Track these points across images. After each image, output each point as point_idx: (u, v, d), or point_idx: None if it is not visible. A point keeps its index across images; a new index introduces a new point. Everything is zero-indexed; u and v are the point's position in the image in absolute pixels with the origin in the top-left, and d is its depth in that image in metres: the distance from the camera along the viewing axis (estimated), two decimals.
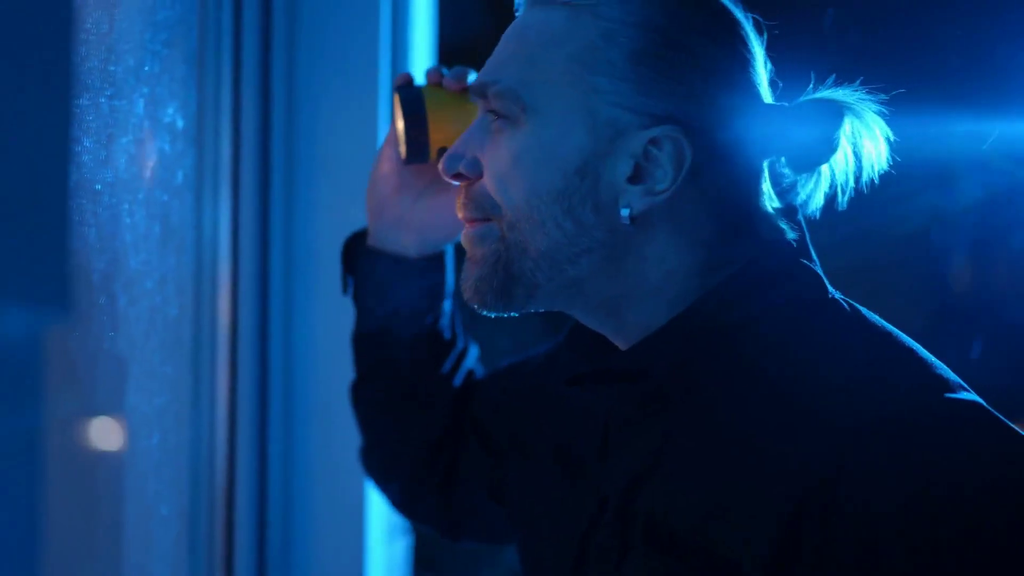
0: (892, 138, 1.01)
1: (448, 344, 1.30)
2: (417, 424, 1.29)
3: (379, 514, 1.64)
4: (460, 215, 1.03)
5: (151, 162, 1.41)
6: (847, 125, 0.98)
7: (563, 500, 1.08)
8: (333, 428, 1.60)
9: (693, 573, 0.92)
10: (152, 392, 1.43)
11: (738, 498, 0.91)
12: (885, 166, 1.01)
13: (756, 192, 1.00)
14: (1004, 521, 0.85)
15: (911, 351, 0.95)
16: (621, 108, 0.95)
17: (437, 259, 1.29)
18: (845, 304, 0.99)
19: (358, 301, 1.30)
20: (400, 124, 1.19)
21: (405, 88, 1.20)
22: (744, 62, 0.98)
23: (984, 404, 0.92)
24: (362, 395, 1.32)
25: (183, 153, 1.49)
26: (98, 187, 1.27)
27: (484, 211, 1.00)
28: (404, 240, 1.27)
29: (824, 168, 1.00)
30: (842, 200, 1.02)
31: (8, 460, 1.15)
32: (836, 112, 0.98)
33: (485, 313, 1.02)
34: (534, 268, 0.98)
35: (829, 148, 0.99)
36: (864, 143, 0.99)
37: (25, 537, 1.17)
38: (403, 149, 1.19)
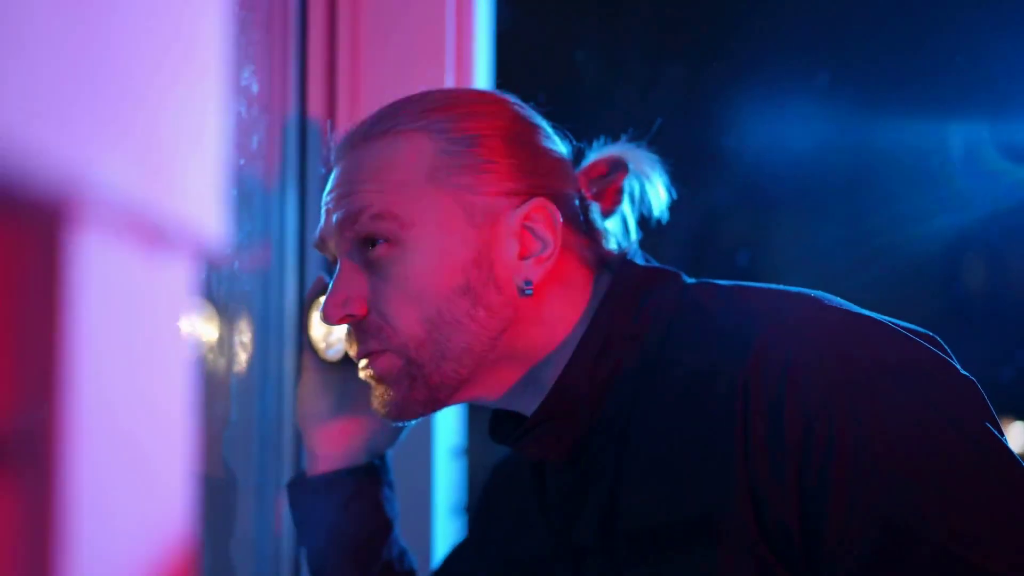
0: (668, 182, 1.15)
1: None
2: None
3: (445, 491, 1.62)
4: (353, 352, 1.06)
5: (230, 124, 1.38)
6: (631, 174, 1.13)
7: None
8: None
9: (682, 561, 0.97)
10: (227, 363, 1.40)
11: (693, 467, 0.96)
12: (666, 205, 1.15)
13: (599, 232, 1.10)
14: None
15: (784, 289, 1.04)
16: (491, 195, 1.03)
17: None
18: (707, 281, 1.08)
19: (336, 538, 1.23)
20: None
21: None
22: (543, 132, 1.09)
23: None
24: None
25: (257, 119, 1.46)
26: None
27: (382, 342, 1.04)
28: (354, 451, 1.24)
29: (626, 208, 1.13)
30: (634, 233, 1.14)
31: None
32: (620, 165, 1.12)
33: (408, 423, 1.09)
34: (457, 367, 1.03)
35: (620, 195, 1.12)
36: (646, 185, 1.13)
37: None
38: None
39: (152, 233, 0.65)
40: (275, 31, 1.55)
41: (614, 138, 1.17)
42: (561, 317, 1.05)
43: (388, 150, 1.05)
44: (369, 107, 1.65)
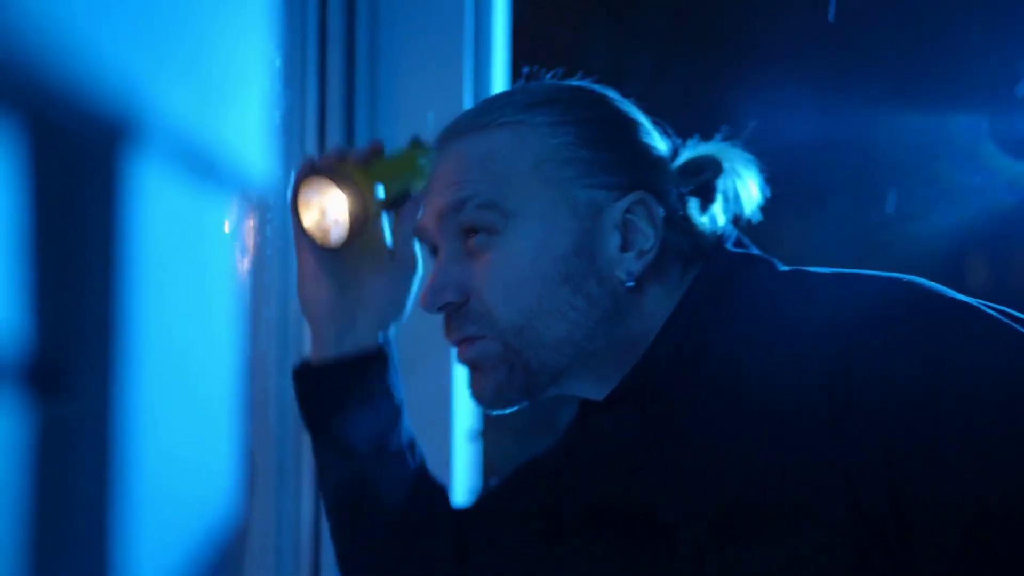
0: (763, 179, 1.14)
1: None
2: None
3: (462, 473, 1.62)
4: (452, 338, 1.07)
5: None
6: (726, 173, 1.12)
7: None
8: (418, 353, 1.56)
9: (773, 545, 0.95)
10: (252, 336, 1.39)
11: (782, 452, 0.95)
12: (760, 200, 1.14)
13: (696, 227, 1.10)
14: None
15: (878, 275, 1.03)
16: (594, 188, 1.05)
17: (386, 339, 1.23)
18: (800, 268, 1.07)
19: (352, 426, 1.19)
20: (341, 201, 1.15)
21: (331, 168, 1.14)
22: (643, 127, 1.10)
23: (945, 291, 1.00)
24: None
25: (280, 94, 1.45)
26: None
27: (481, 328, 1.05)
28: (362, 331, 1.20)
29: (718, 207, 1.12)
30: (726, 224, 1.13)
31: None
32: (715, 163, 1.12)
33: (504, 411, 1.08)
34: (556, 355, 1.05)
35: (714, 193, 1.12)
36: (739, 184, 1.13)
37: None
38: (347, 224, 1.15)
39: (203, 166, 0.65)
40: (294, 4, 1.54)
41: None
42: (658, 309, 1.07)
43: (493, 142, 1.07)
44: (385, 87, 1.65)
